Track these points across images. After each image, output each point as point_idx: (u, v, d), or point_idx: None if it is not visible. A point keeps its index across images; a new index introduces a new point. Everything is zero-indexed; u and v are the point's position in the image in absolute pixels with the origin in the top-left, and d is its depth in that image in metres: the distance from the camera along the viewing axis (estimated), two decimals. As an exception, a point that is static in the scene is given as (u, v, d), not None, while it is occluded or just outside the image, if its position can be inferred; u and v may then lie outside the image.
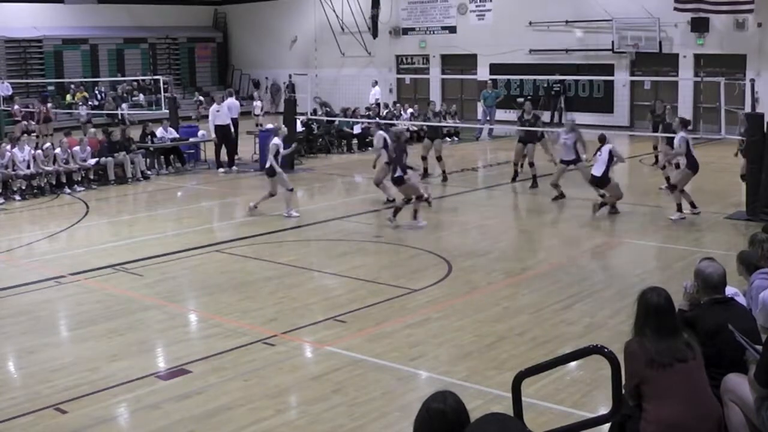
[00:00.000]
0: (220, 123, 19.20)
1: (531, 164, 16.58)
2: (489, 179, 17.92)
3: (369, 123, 23.14)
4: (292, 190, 14.13)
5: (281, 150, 13.97)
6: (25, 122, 26.45)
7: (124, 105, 30.39)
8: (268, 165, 13.89)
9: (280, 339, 7.95)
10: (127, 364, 7.33)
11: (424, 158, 17.50)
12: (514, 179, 16.84)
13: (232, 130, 19.50)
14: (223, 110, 19.35)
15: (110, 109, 29.56)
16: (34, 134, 24.52)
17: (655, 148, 18.49)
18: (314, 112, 24.40)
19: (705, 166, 18.20)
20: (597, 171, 13.41)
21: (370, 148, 22.93)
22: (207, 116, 24.36)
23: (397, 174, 12.81)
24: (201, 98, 30.76)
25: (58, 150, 17.07)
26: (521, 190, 16.66)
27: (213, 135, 19.54)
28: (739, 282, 7.05)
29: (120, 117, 27.74)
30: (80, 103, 29.72)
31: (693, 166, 13.08)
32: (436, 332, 8.10)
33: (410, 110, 25.50)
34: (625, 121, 26.74)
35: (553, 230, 12.99)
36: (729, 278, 5.26)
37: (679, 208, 13.09)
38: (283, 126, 15.48)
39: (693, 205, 13.27)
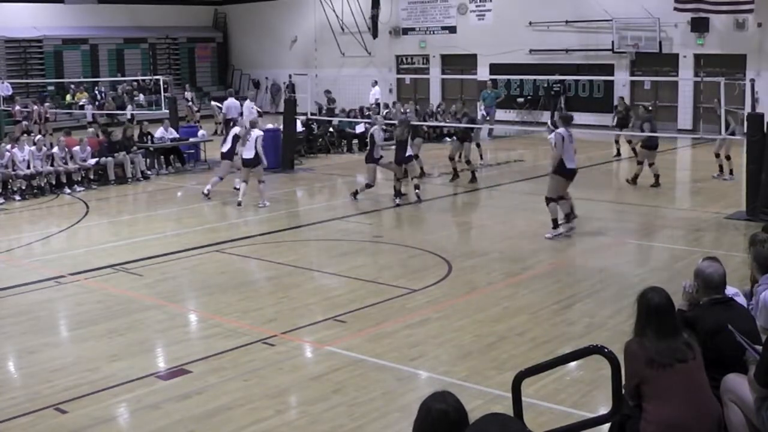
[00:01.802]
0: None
1: (468, 161, 17.21)
2: (489, 179, 17.90)
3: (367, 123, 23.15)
4: (222, 179, 15.68)
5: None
6: (25, 122, 26.45)
7: (132, 104, 30.34)
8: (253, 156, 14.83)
9: (280, 339, 7.95)
10: (127, 364, 7.33)
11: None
12: (454, 178, 17.33)
13: None
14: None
15: (110, 109, 29.54)
16: (32, 134, 24.52)
17: (617, 142, 20.48)
18: (319, 110, 24.52)
19: (705, 166, 18.30)
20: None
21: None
22: (208, 116, 24.46)
23: (408, 153, 14.95)
24: (190, 103, 30.43)
25: (55, 149, 17.05)
26: (521, 190, 16.66)
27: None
28: (739, 282, 7.05)
29: (130, 116, 27.65)
30: (86, 103, 29.69)
31: (563, 170, 11.78)
32: (436, 332, 8.10)
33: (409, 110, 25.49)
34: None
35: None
36: (729, 278, 5.26)
37: (555, 224, 11.86)
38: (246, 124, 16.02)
39: (568, 218, 11.99)
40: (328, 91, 27.20)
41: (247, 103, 20.91)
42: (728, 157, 16.93)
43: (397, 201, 14.84)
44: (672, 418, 4.32)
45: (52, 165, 16.88)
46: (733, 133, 16.30)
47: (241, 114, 22.41)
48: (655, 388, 4.39)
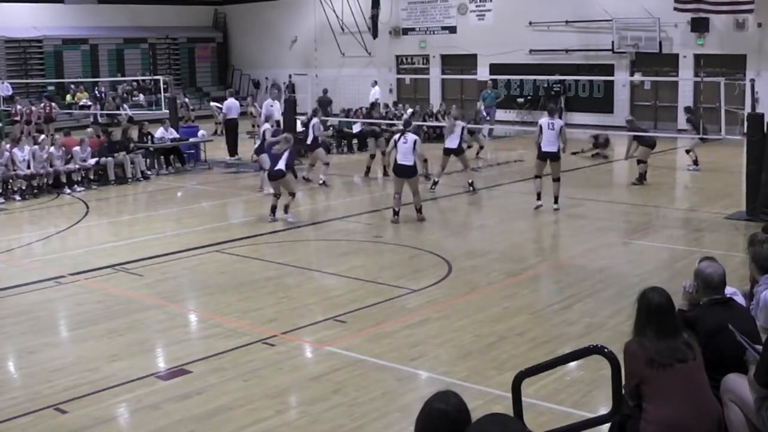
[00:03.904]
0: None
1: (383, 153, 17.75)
2: (489, 179, 17.92)
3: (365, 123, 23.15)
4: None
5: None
6: (26, 123, 26.42)
7: (125, 105, 30.35)
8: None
9: (280, 339, 7.95)
10: (127, 364, 7.33)
11: (372, 156, 18.60)
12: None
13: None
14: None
15: (110, 109, 29.50)
16: (31, 135, 24.49)
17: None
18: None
19: (705, 166, 18.32)
20: None
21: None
22: (207, 116, 24.34)
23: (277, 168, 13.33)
24: (186, 100, 30.35)
25: (52, 149, 17.00)
26: (521, 190, 16.65)
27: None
28: (739, 282, 7.05)
29: (125, 116, 27.63)
30: (89, 103, 29.67)
31: (538, 153, 13.97)
32: (436, 332, 8.10)
33: (410, 110, 25.45)
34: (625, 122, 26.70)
35: (553, 230, 12.99)
36: (729, 278, 5.26)
37: (538, 197, 14.02)
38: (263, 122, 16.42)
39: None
40: (324, 90, 26.97)
41: (267, 101, 20.86)
42: (688, 152, 18.35)
43: (270, 218, 13.56)
44: (672, 418, 4.33)
45: (51, 166, 16.87)
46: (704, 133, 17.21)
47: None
48: (655, 388, 4.40)
